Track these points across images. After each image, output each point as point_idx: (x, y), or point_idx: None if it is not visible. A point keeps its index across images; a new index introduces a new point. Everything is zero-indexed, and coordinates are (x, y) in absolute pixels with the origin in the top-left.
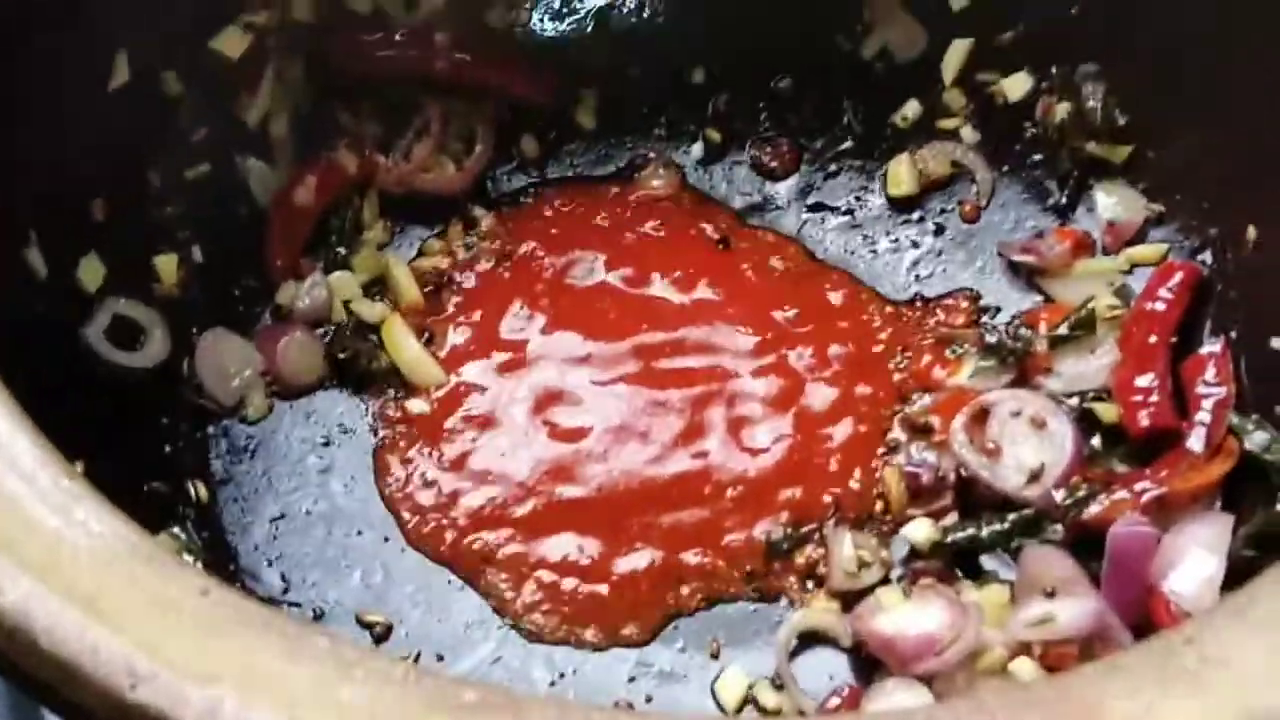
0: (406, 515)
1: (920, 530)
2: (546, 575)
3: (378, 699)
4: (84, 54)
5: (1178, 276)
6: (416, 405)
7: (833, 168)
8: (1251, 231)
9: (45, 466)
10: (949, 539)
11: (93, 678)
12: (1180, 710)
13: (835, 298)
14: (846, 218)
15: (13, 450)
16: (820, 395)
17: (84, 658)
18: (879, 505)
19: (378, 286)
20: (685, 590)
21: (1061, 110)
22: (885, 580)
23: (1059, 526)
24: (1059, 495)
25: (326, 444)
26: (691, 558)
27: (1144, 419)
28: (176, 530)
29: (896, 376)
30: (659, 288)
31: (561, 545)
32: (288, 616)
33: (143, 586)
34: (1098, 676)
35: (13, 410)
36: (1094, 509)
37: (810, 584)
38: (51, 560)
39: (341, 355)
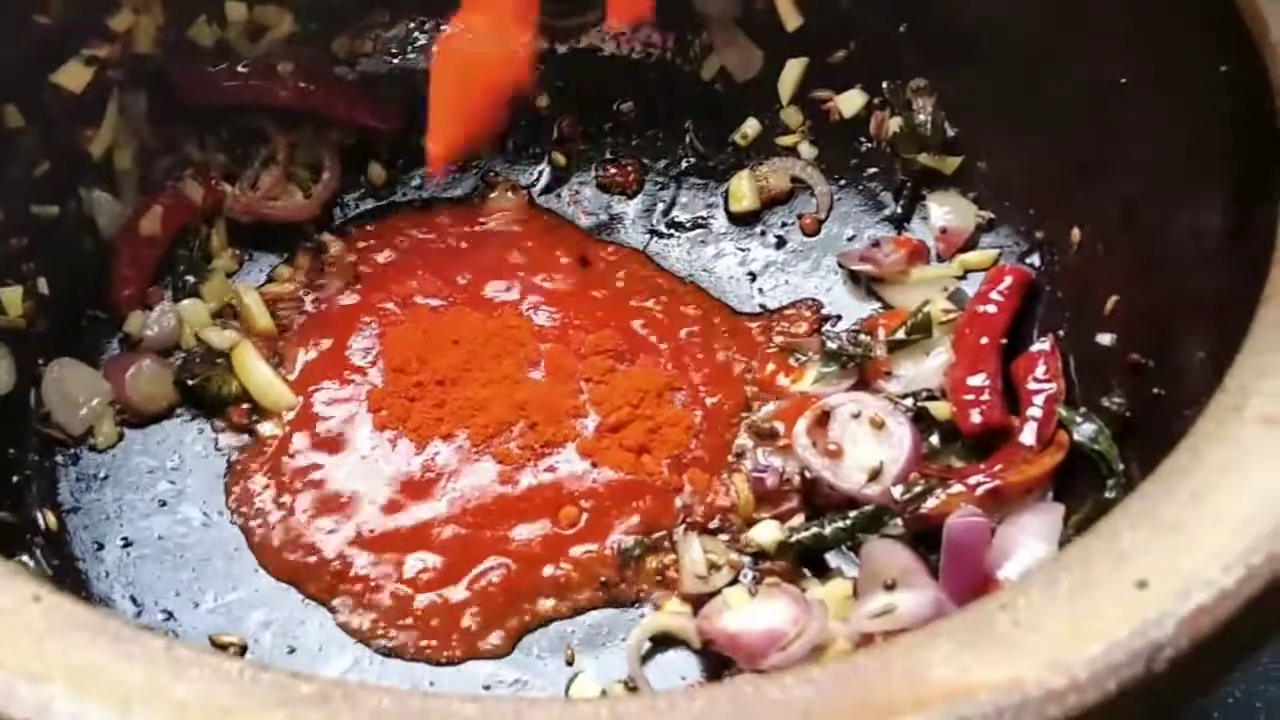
0: (259, 538)
1: (767, 532)
2: (401, 591)
3: (213, 695)
4: None
5: (1007, 280)
6: (267, 428)
7: (676, 186)
8: (1075, 234)
9: None
10: (794, 539)
11: None
12: (994, 670)
13: (684, 311)
14: (692, 233)
15: None
16: (672, 406)
17: None
18: (728, 510)
19: (227, 314)
20: (541, 602)
21: (894, 124)
22: (735, 582)
23: (899, 521)
24: (898, 491)
25: (178, 470)
26: (546, 570)
27: (975, 416)
28: (25, 559)
29: (743, 386)
30: (510, 306)
31: (415, 562)
32: (123, 620)
33: None
34: (918, 644)
35: None
36: (931, 503)
37: (663, 589)
38: None
39: (191, 382)
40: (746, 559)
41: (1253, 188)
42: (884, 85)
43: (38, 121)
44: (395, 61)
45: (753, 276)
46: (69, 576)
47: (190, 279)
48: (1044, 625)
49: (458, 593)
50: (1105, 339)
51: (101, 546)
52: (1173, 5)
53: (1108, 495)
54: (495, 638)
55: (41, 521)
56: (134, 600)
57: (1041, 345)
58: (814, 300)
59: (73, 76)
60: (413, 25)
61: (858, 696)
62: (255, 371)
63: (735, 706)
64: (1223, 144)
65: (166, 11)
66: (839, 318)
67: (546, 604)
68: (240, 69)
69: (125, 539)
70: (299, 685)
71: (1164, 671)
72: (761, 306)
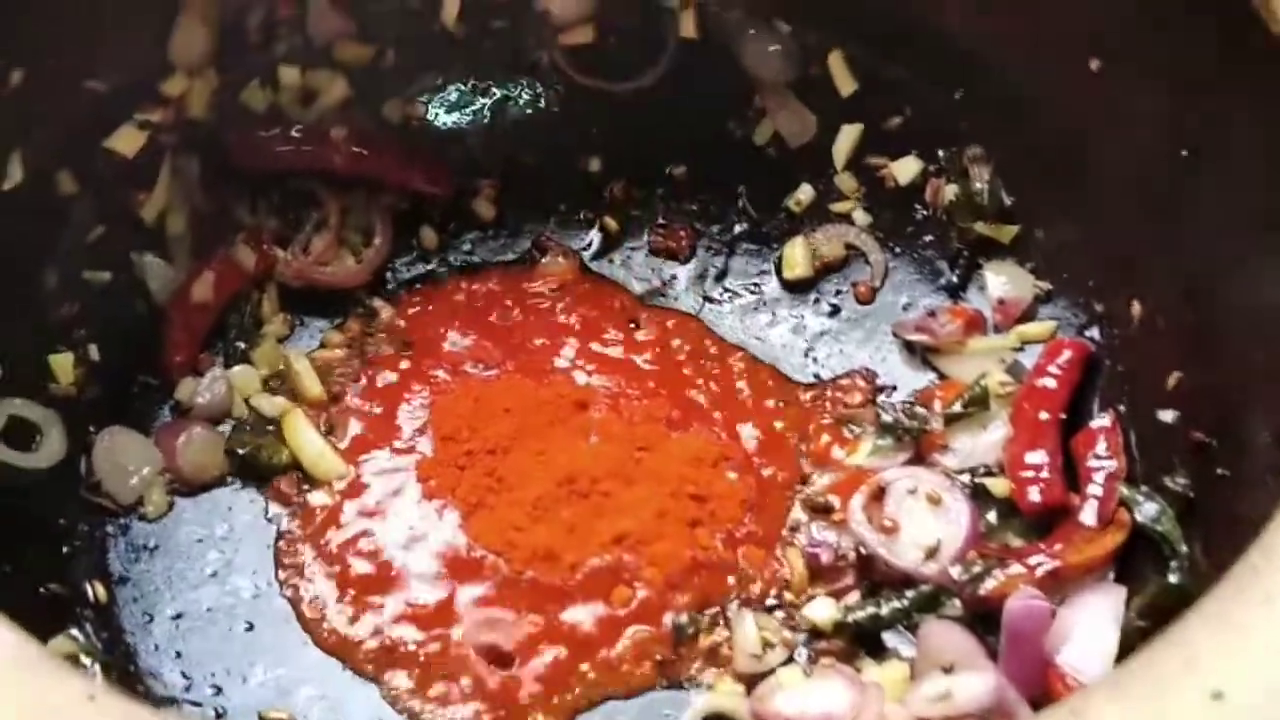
0: (308, 610)
1: (822, 609)
2: (451, 668)
3: None
4: None
5: (1066, 354)
6: (318, 498)
7: (729, 252)
8: (1135, 307)
9: None
10: (850, 618)
11: None
12: None
13: (737, 380)
14: (745, 300)
15: None
16: (726, 478)
17: None
18: (783, 586)
19: (278, 380)
20: (594, 680)
21: (950, 192)
22: (789, 661)
23: (957, 602)
24: (956, 571)
25: (227, 540)
26: (600, 651)
27: (1034, 495)
28: (74, 632)
29: (797, 457)
30: (562, 373)
31: (464, 639)
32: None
33: (28, 693)
34: None
35: None
36: (990, 584)
37: (717, 668)
38: None
39: (242, 451)
40: (801, 637)
41: None
42: (939, 152)
43: (91, 187)
44: (447, 125)
45: (807, 345)
46: (118, 649)
47: (241, 345)
48: None
49: (508, 670)
50: (1167, 416)
51: (151, 618)
52: (1231, 78)
53: (1171, 579)
54: (548, 717)
55: (91, 593)
56: (183, 674)
57: (1102, 421)
58: (868, 370)
59: (126, 141)
60: (464, 88)
61: None
62: (306, 441)
63: None
64: None
65: (219, 76)
66: (894, 388)
67: (600, 683)
68: (293, 134)
69: (175, 611)
70: None
71: None
72: (815, 376)
